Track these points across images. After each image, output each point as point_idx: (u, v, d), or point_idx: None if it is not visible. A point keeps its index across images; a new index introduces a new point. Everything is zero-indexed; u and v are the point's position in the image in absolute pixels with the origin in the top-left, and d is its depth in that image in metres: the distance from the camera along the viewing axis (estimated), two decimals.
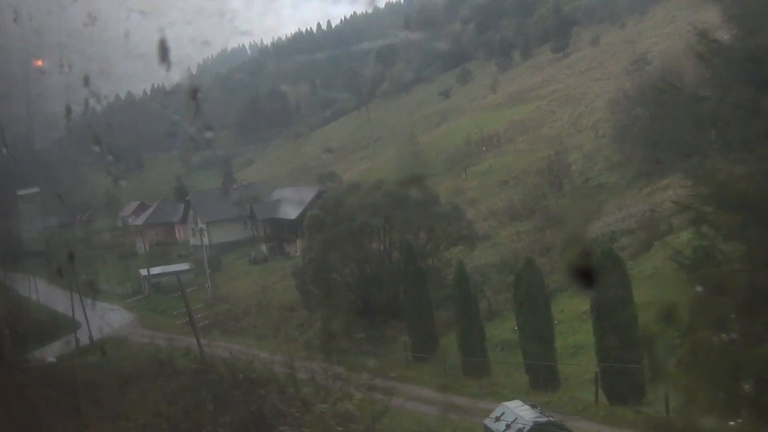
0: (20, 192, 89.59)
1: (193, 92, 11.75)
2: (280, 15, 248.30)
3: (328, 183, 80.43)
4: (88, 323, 60.09)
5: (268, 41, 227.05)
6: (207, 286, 62.67)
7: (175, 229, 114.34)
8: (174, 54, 9.79)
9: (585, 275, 6.38)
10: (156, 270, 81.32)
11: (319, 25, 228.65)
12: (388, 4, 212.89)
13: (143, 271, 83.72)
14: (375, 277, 35.25)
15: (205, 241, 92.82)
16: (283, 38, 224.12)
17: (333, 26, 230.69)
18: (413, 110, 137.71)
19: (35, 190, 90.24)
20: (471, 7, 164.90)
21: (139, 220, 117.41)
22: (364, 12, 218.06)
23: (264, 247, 73.96)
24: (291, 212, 68.84)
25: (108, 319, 68.42)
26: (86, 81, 16.06)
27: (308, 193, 68.46)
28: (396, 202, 34.61)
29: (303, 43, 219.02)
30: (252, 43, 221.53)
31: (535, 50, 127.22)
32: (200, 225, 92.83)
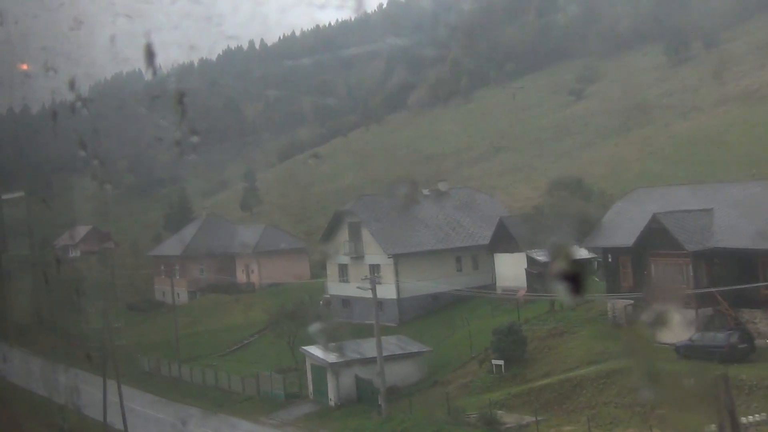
0: (5, 196, 63.74)
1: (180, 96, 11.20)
2: (267, 20, 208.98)
3: None
4: None
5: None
6: None
7: (236, 264, 68.50)
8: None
9: None
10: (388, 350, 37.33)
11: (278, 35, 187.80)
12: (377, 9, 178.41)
13: (314, 353, 39.45)
14: None
15: (390, 291, 48.90)
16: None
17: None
18: (523, 116, 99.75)
19: (20, 194, 69.24)
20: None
21: (173, 249, 70.57)
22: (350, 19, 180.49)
23: (693, 314, 31.56)
24: None
25: None
26: (71, 85, 15.38)
27: None
28: None
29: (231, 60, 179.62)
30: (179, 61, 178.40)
31: (722, 35, 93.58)
32: (383, 260, 49.04)
